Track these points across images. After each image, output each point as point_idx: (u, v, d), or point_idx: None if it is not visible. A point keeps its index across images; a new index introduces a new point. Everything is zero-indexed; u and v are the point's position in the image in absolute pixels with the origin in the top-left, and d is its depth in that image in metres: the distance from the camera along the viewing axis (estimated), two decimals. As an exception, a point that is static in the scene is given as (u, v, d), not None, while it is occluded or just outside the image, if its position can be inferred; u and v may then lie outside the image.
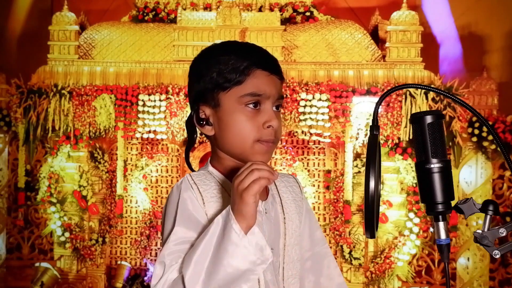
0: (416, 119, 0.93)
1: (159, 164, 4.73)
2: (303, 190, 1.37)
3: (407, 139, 4.28)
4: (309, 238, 1.31)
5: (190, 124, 1.24)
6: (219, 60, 1.18)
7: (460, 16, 5.68)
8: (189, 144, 1.29)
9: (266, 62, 1.19)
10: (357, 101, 4.32)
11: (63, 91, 4.54)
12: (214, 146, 1.25)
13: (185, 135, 4.37)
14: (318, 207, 4.61)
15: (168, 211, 1.17)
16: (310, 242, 1.32)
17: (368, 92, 4.34)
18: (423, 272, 4.57)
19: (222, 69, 1.17)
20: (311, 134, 4.41)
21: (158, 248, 4.65)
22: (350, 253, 4.38)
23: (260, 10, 4.96)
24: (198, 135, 1.28)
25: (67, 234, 4.60)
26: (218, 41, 1.30)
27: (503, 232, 0.91)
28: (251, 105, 1.17)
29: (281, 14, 4.83)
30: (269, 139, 1.18)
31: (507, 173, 4.49)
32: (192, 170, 1.33)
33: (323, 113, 4.30)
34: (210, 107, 1.20)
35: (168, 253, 1.09)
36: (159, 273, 1.08)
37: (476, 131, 4.32)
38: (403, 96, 4.28)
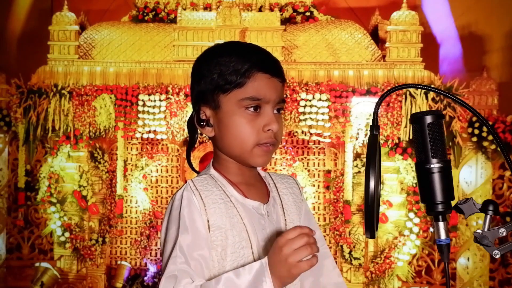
0: (416, 119, 0.93)
1: (159, 164, 4.73)
2: (302, 191, 1.37)
3: (407, 139, 4.28)
4: None
5: (191, 125, 1.25)
6: (220, 61, 1.17)
7: (460, 16, 5.68)
8: (190, 145, 1.29)
9: (268, 65, 1.18)
10: (357, 101, 4.32)
11: (63, 91, 4.54)
12: (215, 147, 1.25)
13: (185, 135, 4.37)
14: (318, 207, 4.61)
15: (171, 219, 1.17)
16: None
17: (368, 92, 4.34)
18: (423, 272, 4.57)
19: (223, 71, 1.16)
20: (311, 134, 4.41)
21: (158, 248, 4.65)
22: (350, 253, 4.38)
23: (260, 10, 4.96)
24: (199, 135, 1.28)
25: (67, 234, 4.60)
26: (220, 41, 1.30)
27: (503, 232, 0.91)
28: (251, 109, 1.17)
29: (281, 14, 4.83)
30: (268, 142, 1.18)
31: (507, 173, 4.49)
32: (194, 170, 1.33)
33: (323, 113, 4.30)
34: (210, 108, 1.20)
35: (179, 269, 1.10)
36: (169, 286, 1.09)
37: (476, 131, 4.32)
38: (403, 96, 4.28)
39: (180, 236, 1.13)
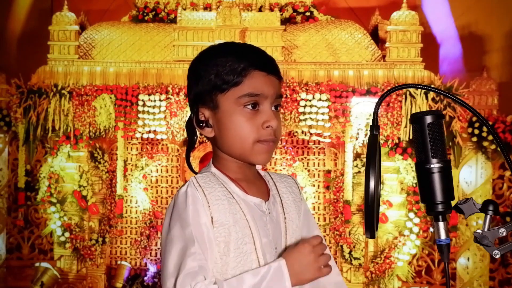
0: (416, 119, 0.93)
1: (159, 164, 4.73)
2: (301, 191, 1.38)
3: (407, 139, 4.28)
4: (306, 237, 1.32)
5: (190, 126, 1.25)
6: (217, 62, 1.19)
7: (460, 16, 5.68)
8: (189, 146, 1.29)
9: (263, 63, 1.20)
10: (357, 101, 4.32)
11: (63, 91, 4.54)
12: (215, 147, 1.26)
13: (185, 135, 4.37)
14: (318, 207, 4.60)
15: (175, 216, 1.16)
16: None
17: (368, 92, 4.34)
18: (423, 272, 4.57)
19: (219, 71, 1.18)
20: (311, 134, 4.41)
21: (158, 248, 4.65)
22: (350, 253, 4.38)
23: (260, 10, 4.96)
24: (198, 136, 1.29)
25: (67, 234, 4.60)
26: (216, 41, 1.31)
27: (503, 232, 0.92)
28: (249, 106, 1.18)
29: (281, 14, 4.83)
30: (268, 139, 1.19)
31: (507, 173, 4.49)
32: (193, 171, 1.33)
33: (323, 113, 4.30)
34: (209, 109, 1.21)
35: (200, 265, 1.11)
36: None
37: (476, 131, 4.32)
38: (403, 96, 4.27)
39: (193, 233, 1.13)
